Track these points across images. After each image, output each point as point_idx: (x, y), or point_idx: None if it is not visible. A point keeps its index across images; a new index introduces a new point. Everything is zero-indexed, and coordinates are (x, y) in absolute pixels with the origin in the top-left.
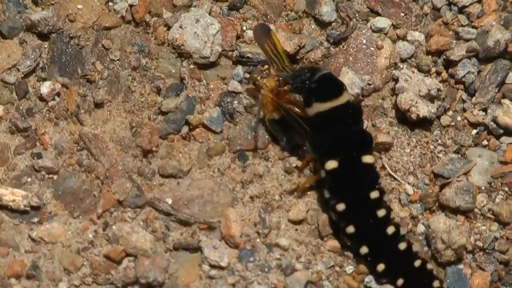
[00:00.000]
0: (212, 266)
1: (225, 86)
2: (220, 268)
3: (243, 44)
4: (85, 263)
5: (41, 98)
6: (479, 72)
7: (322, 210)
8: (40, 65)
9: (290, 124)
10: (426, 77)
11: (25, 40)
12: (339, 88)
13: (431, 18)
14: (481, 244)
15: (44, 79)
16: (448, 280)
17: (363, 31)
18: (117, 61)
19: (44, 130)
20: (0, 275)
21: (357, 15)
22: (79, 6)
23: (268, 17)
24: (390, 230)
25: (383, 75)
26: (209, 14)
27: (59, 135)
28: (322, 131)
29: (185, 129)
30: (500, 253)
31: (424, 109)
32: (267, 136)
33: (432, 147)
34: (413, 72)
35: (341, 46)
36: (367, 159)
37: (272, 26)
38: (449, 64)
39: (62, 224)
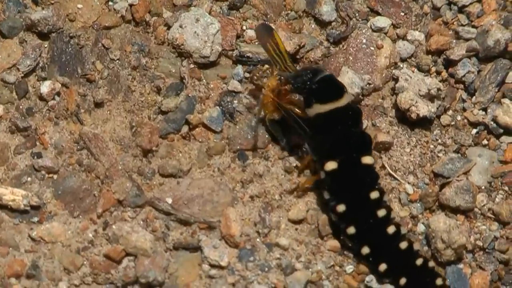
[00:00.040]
0: (212, 266)
1: (225, 86)
2: (220, 267)
3: (243, 43)
4: (85, 262)
5: (41, 98)
6: (479, 71)
7: (322, 210)
8: (40, 65)
9: (290, 124)
10: (426, 77)
11: (25, 39)
12: (340, 90)
13: (431, 18)
14: (481, 244)
15: (44, 79)
16: (448, 280)
17: (363, 31)
18: (117, 61)
19: (44, 130)
20: (0, 274)
21: (357, 14)
22: (79, 6)
23: (268, 16)
24: (391, 229)
25: (383, 75)
26: (209, 13)
27: (59, 135)
28: (322, 132)
29: (185, 129)
30: (500, 252)
31: (424, 109)
32: (267, 136)
33: (432, 146)
34: (413, 71)
35: (341, 46)
36: (367, 160)
37: (272, 26)
38: (449, 63)
39: (62, 224)
